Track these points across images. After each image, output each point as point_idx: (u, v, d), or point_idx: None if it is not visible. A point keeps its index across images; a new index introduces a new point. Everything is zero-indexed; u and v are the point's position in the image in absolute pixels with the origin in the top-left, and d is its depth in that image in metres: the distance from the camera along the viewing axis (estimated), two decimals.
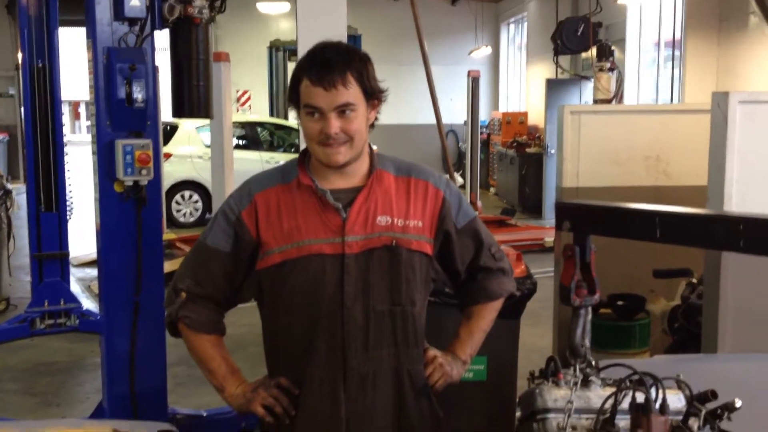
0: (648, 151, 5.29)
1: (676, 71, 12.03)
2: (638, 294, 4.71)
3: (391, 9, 17.91)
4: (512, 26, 20.45)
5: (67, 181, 7.11)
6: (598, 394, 2.28)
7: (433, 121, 10.78)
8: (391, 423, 2.32)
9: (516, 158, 15.39)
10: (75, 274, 9.08)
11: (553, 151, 13.27)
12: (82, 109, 33.37)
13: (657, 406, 2.13)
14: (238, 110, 17.55)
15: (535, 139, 15.84)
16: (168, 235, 10.62)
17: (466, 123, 13.97)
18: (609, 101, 8.53)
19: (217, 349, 2.37)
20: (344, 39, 2.71)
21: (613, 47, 8.90)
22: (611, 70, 8.61)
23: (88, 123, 4.63)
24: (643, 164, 5.28)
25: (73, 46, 11.48)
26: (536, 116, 16.94)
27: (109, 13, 3.98)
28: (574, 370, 2.36)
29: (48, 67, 6.63)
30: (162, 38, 4.31)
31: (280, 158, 12.69)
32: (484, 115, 17.00)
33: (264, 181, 2.33)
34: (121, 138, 4.10)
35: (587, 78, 13.23)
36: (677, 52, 12.06)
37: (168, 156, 12.37)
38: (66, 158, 7.07)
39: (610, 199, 3.35)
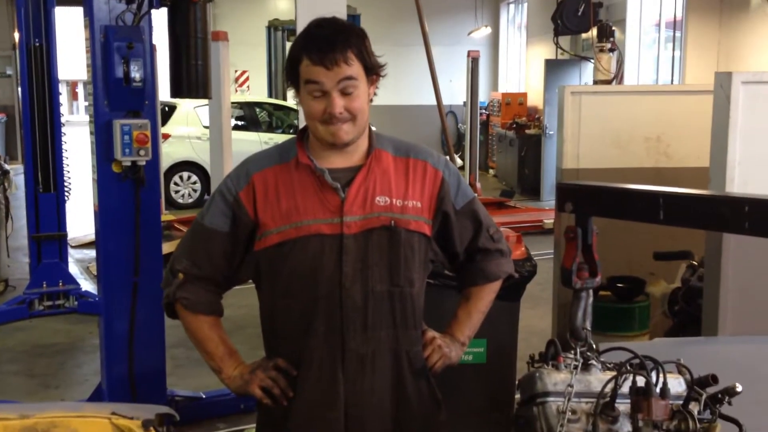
0: (649, 132, 5.26)
1: (677, 52, 11.98)
2: (638, 276, 4.70)
3: None
4: (512, 6, 20.34)
5: (65, 162, 7.10)
6: (598, 378, 2.27)
7: (433, 102, 10.74)
8: (389, 404, 2.31)
9: (515, 140, 15.36)
10: (73, 255, 9.07)
11: (552, 133, 13.24)
12: (80, 90, 33.26)
13: (657, 390, 2.12)
14: (236, 90, 17.50)
15: (535, 121, 15.80)
16: (166, 216, 10.60)
17: (465, 104, 13.92)
18: (609, 82, 8.50)
19: (215, 330, 2.35)
20: (344, 18, 2.67)
21: (613, 27, 8.86)
22: (612, 50, 8.57)
23: (86, 103, 4.60)
24: (644, 145, 5.25)
25: (71, 25, 11.42)
26: (536, 97, 16.89)
27: None
28: (575, 354, 2.35)
29: (45, 46, 6.59)
30: (160, 17, 4.28)
31: (279, 139, 12.64)
32: (483, 96, 16.92)
33: (262, 161, 2.31)
34: (119, 118, 4.08)
35: (587, 59, 13.16)
36: (678, 33, 12.00)
37: (166, 137, 12.33)
38: (64, 138, 7.05)
39: (611, 180, 3.32)
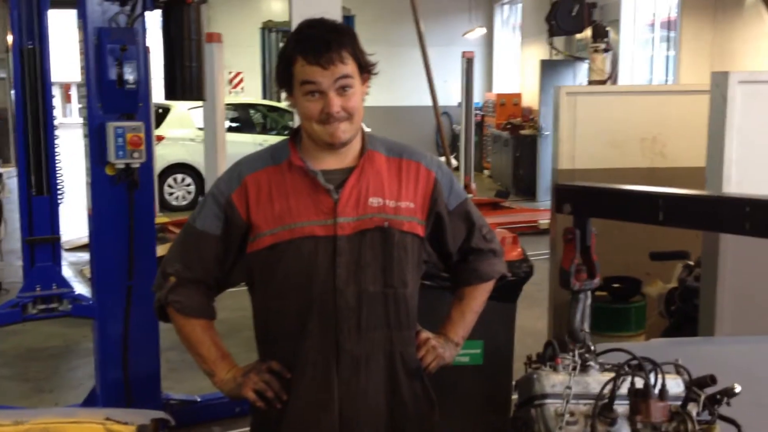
0: (644, 132, 5.25)
1: (671, 52, 11.98)
2: (634, 277, 4.69)
3: None
4: (506, 7, 20.34)
5: (59, 165, 7.06)
6: (596, 380, 2.25)
7: (428, 102, 10.69)
8: (384, 405, 2.31)
9: (510, 140, 15.35)
10: (67, 258, 9.04)
11: (547, 133, 13.24)
12: (74, 92, 33.15)
13: (656, 391, 2.11)
14: (230, 92, 17.46)
15: (529, 121, 15.79)
16: (160, 218, 10.57)
17: (460, 105, 13.91)
18: (604, 82, 8.51)
19: (208, 333, 2.34)
20: (339, 20, 2.66)
21: (607, 28, 8.86)
22: (606, 50, 8.59)
23: (80, 106, 4.58)
24: (640, 146, 5.24)
25: (64, 28, 11.38)
26: (530, 98, 16.87)
27: None
28: (573, 355, 2.33)
29: (38, 48, 6.56)
30: (154, 19, 4.26)
31: (274, 140, 12.43)
32: (477, 97, 16.90)
33: (254, 163, 2.30)
34: (113, 120, 4.06)
35: (582, 59, 13.18)
36: (672, 33, 12.00)
37: (160, 139, 12.30)
38: (57, 141, 7.01)
39: (607, 181, 3.32)
